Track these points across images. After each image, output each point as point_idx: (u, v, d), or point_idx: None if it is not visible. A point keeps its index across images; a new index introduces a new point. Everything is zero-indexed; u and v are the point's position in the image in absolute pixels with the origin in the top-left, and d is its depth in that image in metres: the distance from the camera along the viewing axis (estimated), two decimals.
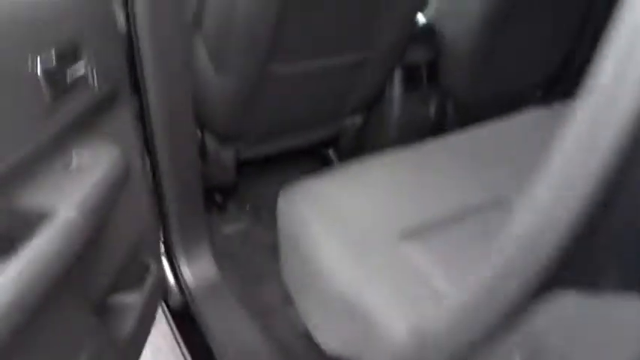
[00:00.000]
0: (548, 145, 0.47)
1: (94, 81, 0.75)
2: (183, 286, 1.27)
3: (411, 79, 1.61)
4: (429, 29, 1.55)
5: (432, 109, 1.69)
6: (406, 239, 0.90)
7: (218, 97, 1.27)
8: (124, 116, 0.87)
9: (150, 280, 0.93)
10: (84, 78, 0.72)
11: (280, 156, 1.64)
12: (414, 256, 0.87)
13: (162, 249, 1.29)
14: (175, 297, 1.30)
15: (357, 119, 1.66)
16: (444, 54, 1.60)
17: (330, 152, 1.81)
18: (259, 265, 1.47)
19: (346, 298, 0.81)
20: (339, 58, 1.34)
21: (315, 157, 1.83)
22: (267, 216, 1.63)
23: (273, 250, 1.41)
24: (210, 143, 1.44)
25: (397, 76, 1.59)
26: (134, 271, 0.92)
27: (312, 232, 0.90)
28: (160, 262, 1.16)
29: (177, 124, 1.11)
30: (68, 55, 0.69)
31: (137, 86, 1.02)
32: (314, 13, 1.16)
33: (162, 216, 1.23)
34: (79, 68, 0.71)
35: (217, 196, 1.68)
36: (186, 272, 1.26)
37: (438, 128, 1.74)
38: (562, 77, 1.91)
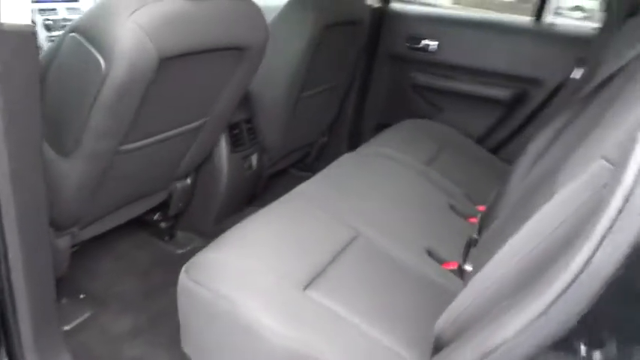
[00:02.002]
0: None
1: None
2: None
3: (235, 137, 1.75)
4: (246, 94, 1.72)
5: (254, 162, 1.86)
6: (309, 289, 1.03)
7: (61, 184, 1.16)
8: None
9: None
10: None
11: (108, 231, 1.56)
12: (323, 300, 1.01)
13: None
14: None
15: (187, 181, 1.70)
16: (258, 115, 1.82)
17: (157, 216, 1.79)
18: (116, 353, 1.37)
19: (289, 347, 0.90)
20: (183, 127, 1.39)
21: (142, 224, 1.78)
22: (111, 300, 1.51)
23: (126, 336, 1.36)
24: None
25: (223, 136, 1.70)
26: None
27: (231, 298, 0.95)
28: None
29: (28, 221, 0.99)
30: None
31: None
32: (171, 95, 1.20)
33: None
34: None
35: None
36: None
37: (258, 178, 1.94)
38: (337, 123, 2.36)
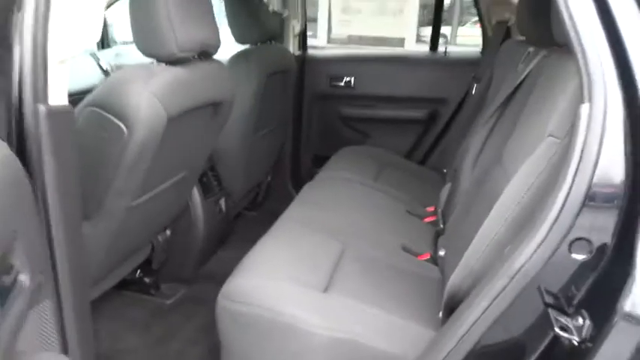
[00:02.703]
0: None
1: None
2: None
3: (204, 185, 1.90)
4: None
5: (223, 206, 2.01)
6: (327, 291, 1.23)
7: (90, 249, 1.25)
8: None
9: None
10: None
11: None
12: (342, 298, 1.21)
13: None
14: None
15: (167, 232, 1.80)
16: (220, 163, 2.00)
17: (139, 273, 1.86)
18: None
19: (331, 336, 1.08)
20: (171, 180, 1.52)
21: (126, 284, 1.83)
22: (119, 357, 1.56)
23: None
24: None
25: (196, 186, 1.84)
26: None
27: (272, 308, 1.12)
28: None
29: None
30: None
31: None
32: (166, 150, 1.35)
33: None
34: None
35: None
36: None
37: (227, 220, 2.09)
38: (279, 162, 2.61)
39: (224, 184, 2.04)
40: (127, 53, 2.61)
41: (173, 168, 1.53)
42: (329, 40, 9.92)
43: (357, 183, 1.98)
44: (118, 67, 2.36)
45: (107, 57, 2.46)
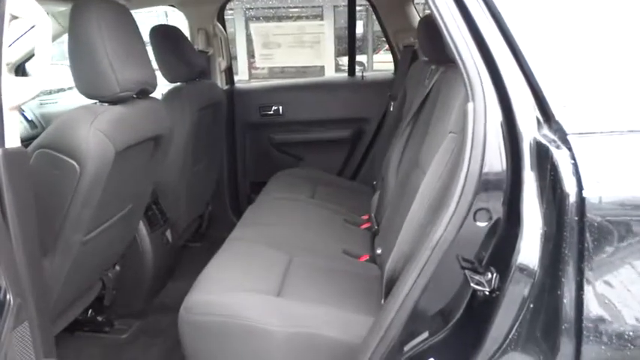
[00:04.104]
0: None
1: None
2: None
3: (150, 218, 1.96)
4: None
5: (169, 237, 2.07)
6: (280, 295, 1.35)
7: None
8: None
9: None
10: None
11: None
12: (295, 300, 1.33)
13: None
14: None
15: (117, 268, 1.84)
16: (162, 196, 2.07)
17: (90, 313, 1.87)
18: None
19: (291, 332, 1.20)
20: (119, 214, 1.59)
21: (78, 325, 1.84)
22: None
23: None
24: None
25: (142, 220, 1.90)
26: None
27: (234, 315, 1.22)
28: None
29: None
30: None
31: None
32: (113, 184, 1.43)
33: None
34: None
35: None
36: None
37: (174, 251, 2.15)
38: (218, 191, 2.72)
39: (168, 215, 2.11)
40: (52, 102, 2.62)
41: (121, 201, 1.60)
42: (250, 76, 10.20)
43: (295, 201, 2.12)
44: (44, 117, 2.38)
45: (31, 107, 2.46)
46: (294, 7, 11.03)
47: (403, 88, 2.43)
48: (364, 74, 2.91)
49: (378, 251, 1.65)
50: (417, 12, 2.69)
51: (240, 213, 2.10)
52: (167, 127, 1.67)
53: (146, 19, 2.68)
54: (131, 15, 1.45)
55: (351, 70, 2.94)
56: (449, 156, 1.14)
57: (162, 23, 2.23)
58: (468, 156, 0.92)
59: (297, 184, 2.40)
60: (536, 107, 0.88)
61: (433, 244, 0.97)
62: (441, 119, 1.32)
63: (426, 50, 1.96)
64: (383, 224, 1.72)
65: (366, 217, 2.09)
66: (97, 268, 1.67)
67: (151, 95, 1.60)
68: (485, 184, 0.92)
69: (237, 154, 2.83)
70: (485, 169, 0.92)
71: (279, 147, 2.84)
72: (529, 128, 0.86)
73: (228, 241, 1.68)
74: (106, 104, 1.36)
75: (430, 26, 1.83)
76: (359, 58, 6.94)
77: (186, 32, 2.61)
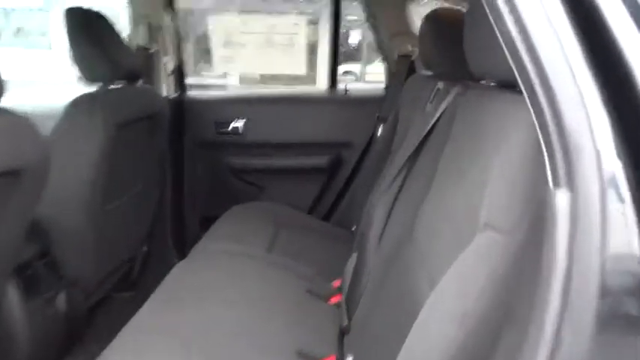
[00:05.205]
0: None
1: None
2: None
3: (28, 280, 1.37)
4: (35, 224, 1.38)
5: (62, 304, 1.49)
6: None
7: None
8: None
9: None
10: None
11: None
12: None
13: None
14: None
15: None
16: (57, 246, 1.49)
17: None
18: None
19: None
20: None
21: None
22: None
23: None
24: None
25: (11, 284, 1.32)
26: None
27: None
28: None
29: None
30: None
31: None
32: None
33: None
34: None
35: None
36: None
37: (73, 319, 1.56)
38: (157, 228, 2.12)
39: (66, 271, 1.52)
40: None
41: None
42: (241, 80, 9.47)
43: (244, 257, 1.55)
44: None
45: None
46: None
47: (395, 108, 1.88)
48: (348, 87, 2.34)
49: (349, 359, 1.09)
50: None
51: (187, 253, 1.59)
52: (36, 158, 1.10)
53: None
54: None
55: (333, 81, 2.37)
56: (483, 281, 0.57)
57: (82, 6, 1.66)
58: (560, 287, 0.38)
59: (254, 225, 1.84)
60: None
61: None
62: (457, 178, 0.76)
63: (432, 61, 1.42)
64: (357, 317, 1.16)
65: (337, 283, 1.53)
66: None
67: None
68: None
69: (185, 181, 2.25)
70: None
71: (238, 173, 2.26)
72: None
73: (126, 329, 1.12)
74: None
75: (440, 26, 1.29)
76: (353, 67, 6.39)
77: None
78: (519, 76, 0.44)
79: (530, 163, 0.51)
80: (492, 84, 0.86)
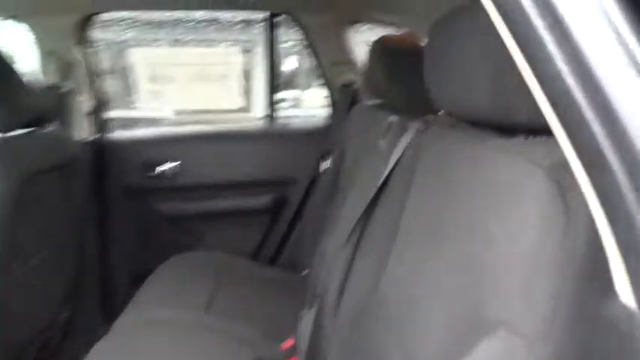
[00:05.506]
0: None
1: None
2: None
3: None
4: None
5: None
6: None
7: None
8: None
9: None
10: None
11: None
12: None
13: None
14: None
15: None
16: None
17: None
18: None
19: None
20: None
21: None
22: None
23: None
24: None
25: None
26: None
27: None
28: None
29: None
30: None
31: None
32: None
33: None
34: None
35: None
36: None
37: None
38: (80, 289, 1.84)
39: None
40: None
41: None
42: (176, 112, 9.08)
43: (177, 326, 1.34)
44: None
45: None
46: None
47: (341, 140, 1.75)
48: (286, 115, 2.20)
49: None
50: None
51: (116, 316, 1.37)
52: None
53: None
54: None
55: (271, 113, 2.21)
56: None
57: None
58: None
59: (190, 282, 1.62)
60: None
61: None
62: (442, 245, 0.62)
63: (380, 90, 1.30)
64: None
65: (288, 344, 1.34)
66: None
67: None
68: None
69: (111, 233, 1.99)
70: None
71: (172, 221, 2.04)
72: None
73: None
74: None
75: (389, 54, 1.18)
76: (289, 94, 6.26)
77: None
78: (572, 137, 0.31)
79: (556, 237, 0.37)
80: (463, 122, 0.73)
